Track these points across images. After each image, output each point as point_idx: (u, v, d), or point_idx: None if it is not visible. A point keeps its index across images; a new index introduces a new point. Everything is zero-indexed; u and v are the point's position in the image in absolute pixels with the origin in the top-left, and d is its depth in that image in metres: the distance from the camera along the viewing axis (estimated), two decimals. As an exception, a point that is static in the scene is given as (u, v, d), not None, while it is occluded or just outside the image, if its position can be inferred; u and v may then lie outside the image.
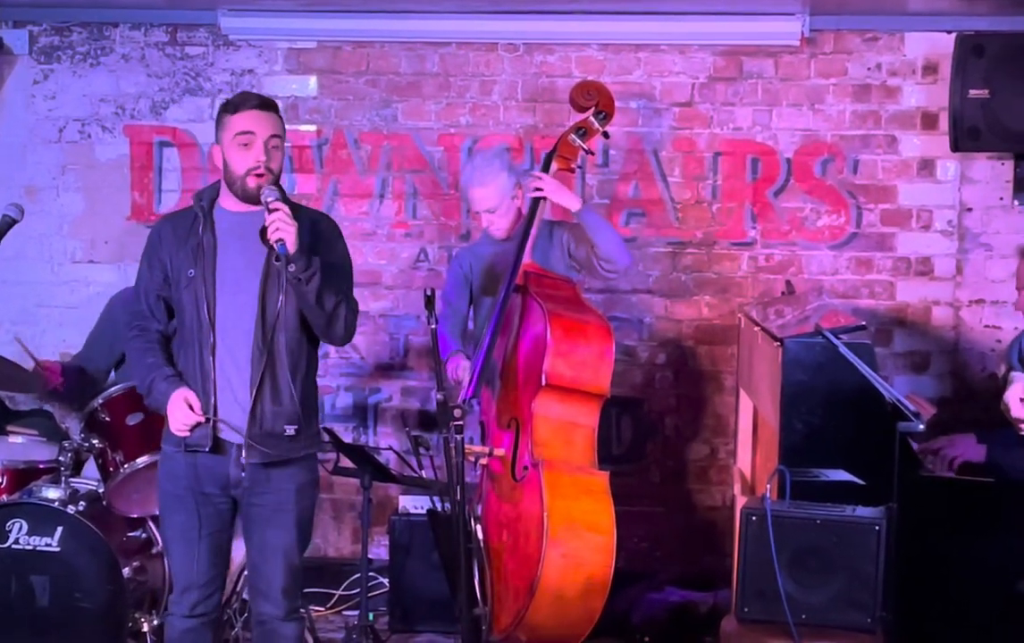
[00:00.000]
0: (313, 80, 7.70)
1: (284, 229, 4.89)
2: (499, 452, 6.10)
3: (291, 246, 4.89)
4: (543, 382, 5.92)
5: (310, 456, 5.26)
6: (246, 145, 5.02)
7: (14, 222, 5.72)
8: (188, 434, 5.06)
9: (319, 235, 5.17)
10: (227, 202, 5.14)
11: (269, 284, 5.05)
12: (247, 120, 5.03)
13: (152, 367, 5.17)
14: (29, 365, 6.56)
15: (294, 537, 5.19)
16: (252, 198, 5.03)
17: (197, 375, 5.10)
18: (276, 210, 4.92)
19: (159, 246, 5.22)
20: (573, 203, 6.32)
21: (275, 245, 4.90)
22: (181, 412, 5.04)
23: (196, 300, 5.08)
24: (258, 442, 5.05)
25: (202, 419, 5.04)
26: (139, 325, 5.26)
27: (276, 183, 5.08)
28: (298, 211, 5.14)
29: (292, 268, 4.92)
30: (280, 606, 5.19)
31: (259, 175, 5.01)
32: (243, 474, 5.08)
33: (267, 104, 5.11)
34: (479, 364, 6.07)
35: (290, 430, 5.10)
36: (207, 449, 5.08)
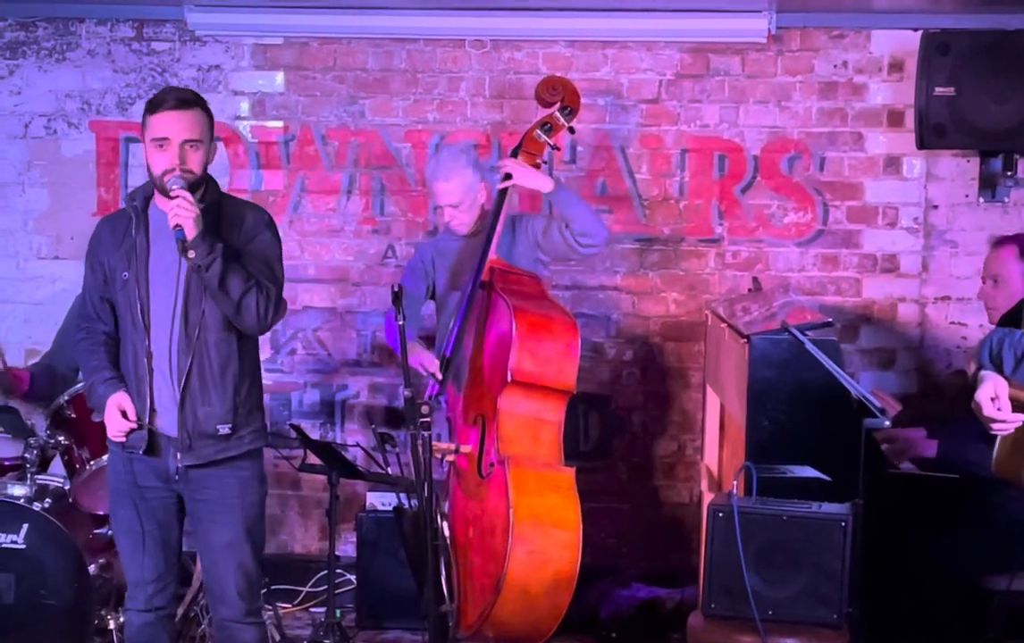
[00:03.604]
0: (280, 76, 7.67)
1: (182, 215, 4.90)
2: (465, 449, 6.10)
3: (189, 232, 4.90)
4: (508, 378, 5.93)
5: (253, 453, 5.23)
6: (161, 147, 5.01)
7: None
8: (124, 440, 5.06)
9: (241, 225, 5.17)
10: (160, 201, 5.13)
11: (192, 284, 5.05)
12: (162, 123, 5.01)
13: (94, 370, 5.18)
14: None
15: (242, 535, 5.16)
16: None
17: (133, 377, 5.11)
18: (176, 197, 4.92)
19: (98, 248, 5.23)
20: (545, 184, 6.33)
21: (174, 231, 4.90)
22: (114, 419, 5.05)
23: (130, 302, 5.09)
24: (190, 444, 5.06)
25: (134, 425, 5.02)
26: (86, 327, 5.27)
27: (203, 181, 5.08)
28: (226, 202, 5.22)
29: (191, 254, 4.92)
30: (235, 608, 5.18)
31: (178, 177, 4.99)
32: (174, 465, 5.08)
33: (185, 102, 5.06)
34: (447, 357, 6.09)
35: (223, 429, 5.10)
36: (141, 452, 5.09)
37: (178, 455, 5.06)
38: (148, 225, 5.13)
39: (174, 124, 5.01)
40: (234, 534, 5.15)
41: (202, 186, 5.10)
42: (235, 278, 4.99)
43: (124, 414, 5.03)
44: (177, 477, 5.11)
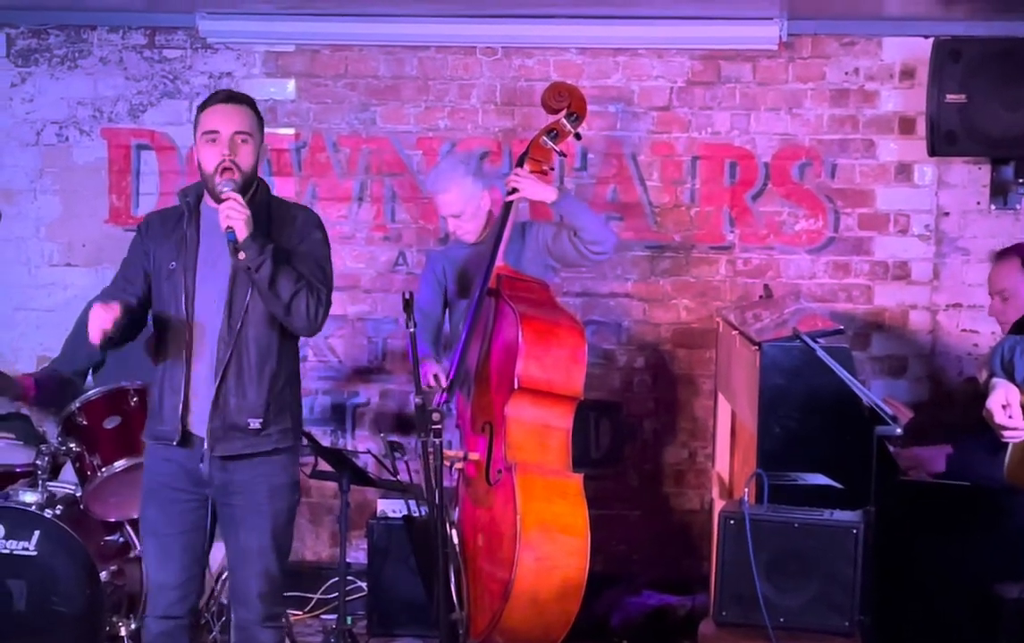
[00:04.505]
0: (291, 83, 7.69)
1: (233, 217, 4.92)
2: (474, 456, 6.10)
3: (240, 234, 4.92)
4: (516, 385, 5.93)
5: (285, 455, 5.21)
6: (212, 141, 5.04)
7: (-8, 226, 5.71)
8: (100, 338, 4.99)
9: (292, 225, 5.19)
10: (210, 200, 5.14)
11: (238, 279, 5.06)
12: (213, 116, 5.07)
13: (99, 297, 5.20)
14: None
15: (268, 541, 5.15)
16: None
17: (175, 369, 5.10)
18: (227, 199, 4.95)
19: (145, 235, 5.25)
20: (549, 195, 6.35)
21: (225, 233, 4.92)
22: (97, 313, 4.99)
23: (175, 292, 5.10)
24: (221, 435, 5.06)
25: (108, 325, 4.96)
26: (108, 292, 5.25)
27: (251, 179, 5.10)
28: (276, 202, 5.25)
29: (242, 256, 4.94)
30: (255, 611, 5.17)
31: (225, 169, 5.01)
32: (205, 466, 5.06)
33: (236, 98, 5.15)
34: (453, 368, 6.08)
35: (254, 423, 5.09)
36: (175, 442, 5.08)
37: (205, 445, 5.06)
38: (199, 220, 5.15)
39: (224, 117, 5.05)
40: (261, 539, 5.14)
41: (252, 186, 5.12)
42: (285, 279, 5.01)
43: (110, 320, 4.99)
44: (208, 481, 5.10)
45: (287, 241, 5.13)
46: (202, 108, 5.11)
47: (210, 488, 5.13)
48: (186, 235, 5.12)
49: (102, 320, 4.95)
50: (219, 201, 5.00)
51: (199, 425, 5.09)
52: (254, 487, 5.13)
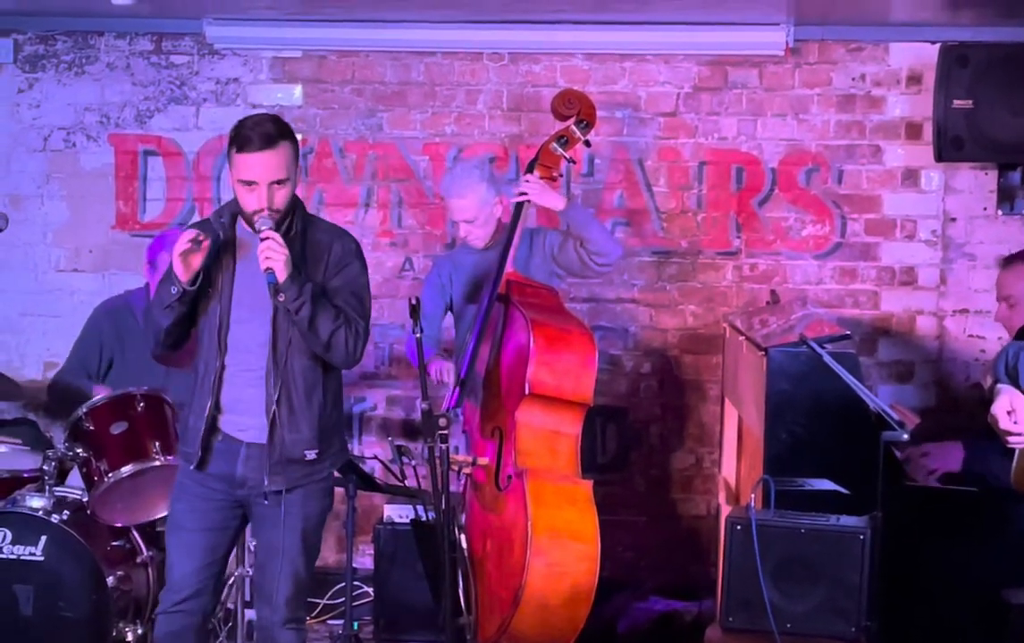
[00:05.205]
0: (298, 89, 7.69)
1: (273, 258, 4.88)
2: (483, 461, 6.10)
3: (280, 275, 4.89)
4: (526, 391, 5.93)
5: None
6: (249, 188, 4.98)
7: (-1, 231, 5.72)
8: (187, 246, 4.94)
9: (328, 255, 5.15)
10: (244, 223, 5.11)
11: (280, 311, 5.03)
12: (249, 166, 4.96)
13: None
14: (17, 362, 6.58)
15: (298, 543, 5.14)
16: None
17: (202, 394, 5.09)
18: (266, 239, 4.90)
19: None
20: (557, 203, 6.36)
21: (264, 274, 4.90)
22: (180, 245, 4.96)
23: (209, 318, 5.09)
24: (278, 469, 5.05)
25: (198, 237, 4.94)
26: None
27: (291, 210, 5.06)
28: (312, 227, 5.19)
29: (281, 298, 4.92)
30: (279, 612, 5.15)
31: (266, 218, 4.97)
32: (264, 482, 5.05)
33: (271, 140, 4.97)
34: (462, 373, 6.08)
35: (310, 455, 5.09)
36: (192, 466, 5.09)
37: (266, 481, 5.05)
38: (235, 243, 5.11)
39: (261, 167, 4.95)
40: (291, 541, 5.13)
41: (290, 214, 5.08)
42: (324, 318, 4.98)
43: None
44: (242, 483, 5.09)
45: (324, 271, 5.11)
46: (239, 147, 4.97)
47: (243, 490, 5.13)
48: (222, 260, 5.09)
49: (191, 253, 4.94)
50: (256, 232, 4.97)
51: (239, 431, 5.09)
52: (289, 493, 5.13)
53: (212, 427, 5.08)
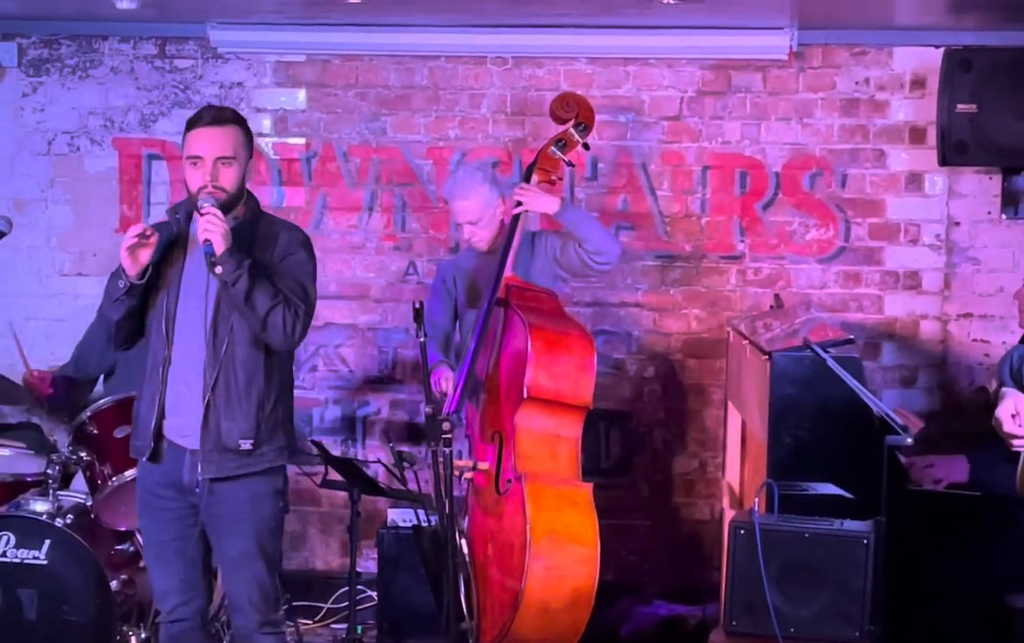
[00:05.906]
0: (302, 93, 7.70)
1: (211, 230, 4.92)
2: (483, 466, 6.11)
3: (217, 247, 4.91)
4: (525, 395, 5.93)
5: (272, 470, 5.22)
6: (194, 165, 5.06)
7: (2, 235, 5.74)
8: (134, 241, 4.97)
9: (275, 243, 5.18)
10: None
11: (223, 298, 5.06)
12: (195, 140, 5.07)
13: None
14: (21, 365, 6.59)
15: (253, 548, 5.15)
16: None
17: (149, 382, 5.14)
18: (206, 214, 4.95)
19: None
20: (551, 206, 6.36)
21: (203, 246, 4.92)
22: (127, 239, 4.99)
23: (157, 310, 5.12)
24: (214, 457, 5.06)
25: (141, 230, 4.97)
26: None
27: (237, 197, 5.10)
28: (263, 220, 5.24)
29: (219, 269, 4.94)
30: (251, 618, 5.18)
31: (209, 194, 5.02)
32: (197, 479, 5.06)
33: (220, 118, 5.11)
34: (462, 378, 6.08)
35: (245, 444, 5.08)
36: (146, 457, 5.11)
37: (199, 468, 5.07)
38: (187, 239, 5.14)
39: (207, 142, 5.05)
40: (245, 547, 5.15)
41: (237, 204, 5.12)
42: (262, 294, 4.99)
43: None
44: (193, 488, 5.10)
45: (269, 258, 5.14)
46: (188, 127, 5.10)
47: (194, 496, 5.12)
48: (173, 254, 5.13)
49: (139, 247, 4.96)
50: (200, 215, 5.01)
51: (182, 437, 5.10)
52: (235, 498, 5.12)
53: (160, 428, 5.11)
